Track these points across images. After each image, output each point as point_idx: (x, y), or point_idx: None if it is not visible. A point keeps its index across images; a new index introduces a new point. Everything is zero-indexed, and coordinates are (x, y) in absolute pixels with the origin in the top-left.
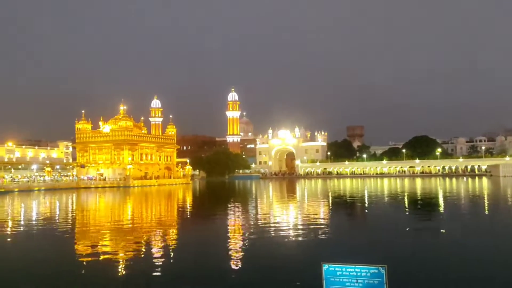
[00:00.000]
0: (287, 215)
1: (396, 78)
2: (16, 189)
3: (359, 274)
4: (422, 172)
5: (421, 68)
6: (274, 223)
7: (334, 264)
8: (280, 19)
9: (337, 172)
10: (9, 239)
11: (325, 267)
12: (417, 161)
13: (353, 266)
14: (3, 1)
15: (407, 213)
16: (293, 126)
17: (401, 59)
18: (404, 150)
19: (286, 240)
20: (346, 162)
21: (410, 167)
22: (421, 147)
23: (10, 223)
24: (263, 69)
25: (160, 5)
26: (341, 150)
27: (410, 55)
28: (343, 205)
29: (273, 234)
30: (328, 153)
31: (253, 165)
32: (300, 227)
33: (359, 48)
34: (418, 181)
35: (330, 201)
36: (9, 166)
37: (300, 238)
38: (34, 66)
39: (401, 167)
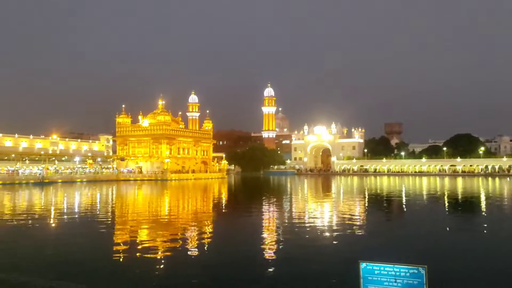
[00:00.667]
0: (322, 211)
1: (435, 76)
2: (60, 180)
3: (397, 273)
4: (464, 171)
5: (462, 65)
6: (309, 219)
7: (372, 262)
8: (315, 14)
9: (374, 169)
10: (52, 227)
11: (363, 265)
12: (459, 159)
13: (392, 265)
14: None
15: (447, 213)
16: (329, 122)
17: (439, 57)
18: (445, 148)
19: (321, 236)
20: (384, 160)
21: (451, 165)
22: (463, 145)
23: (53, 213)
24: (300, 65)
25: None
26: (378, 147)
27: (448, 54)
28: (380, 203)
29: (308, 230)
30: (365, 150)
31: (288, 161)
32: (335, 223)
33: (397, 46)
34: (459, 180)
35: (367, 199)
36: (53, 158)
37: (335, 235)
38: (77, 62)
39: (441, 165)
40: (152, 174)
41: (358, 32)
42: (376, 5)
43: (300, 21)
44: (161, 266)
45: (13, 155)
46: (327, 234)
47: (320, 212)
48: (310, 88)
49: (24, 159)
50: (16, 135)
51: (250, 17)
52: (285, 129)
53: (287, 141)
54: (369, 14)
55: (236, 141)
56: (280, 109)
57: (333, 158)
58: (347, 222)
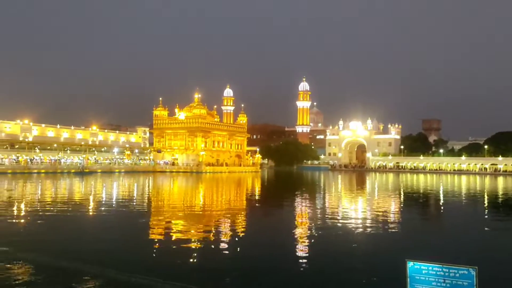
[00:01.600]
0: (356, 207)
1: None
2: (99, 170)
3: (446, 274)
4: (505, 171)
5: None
6: (342, 215)
7: (420, 262)
8: (350, 8)
9: (410, 167)
10: (91, 216)
11: (410, 264)
12: (500, 158)
13: (440, 265)
14: None
15: (486, 212)
16: (365, 117)
17: (486, 56)
18: (486, 146)
19: (355, 232)
20: (421, 157)
21: (491, 164)
22: (505, 143)
23: (93, 202)
24: (335, 59)
25: None
26: (415, 144)
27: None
28: (417, 201)
29: (341, 226)
30: (402, 147)
31: (322, 156)
32: (370, 220)
33: (438, 40)
34: (501, 180)
35: (403, 196)
36: (93, 149)
37: (370, 232)
38: (113, 54)
39: (482, 164)
40: (188, 166)
41: (393, 29)
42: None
43: (335, 18)
44: (195, 257)
45: (55, 145)
46: (362, 230)
47: (354, 208)
48: (346, 83)
49: (65, 149)
50: (58, 126)
51: (285, 12)
52: (320, 124)
53: (321, 136)
54: (399, 15)
55: (269, 135)
56: (315, 103)
57: (368, 154)
58: (382, 219)
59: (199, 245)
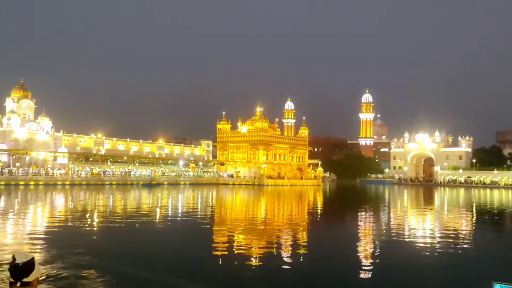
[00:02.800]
0: (424, 224)
1: None
2: (166, 182)
3: None
4: None
5: None
6: (409, 231)
7: (508, 284)
8: (419, 16)
9: (483, 181)
10: (159, 226)
11: (497, 287)
12: None
13: None
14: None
15: None
16: (433, 129)
17: None
18: None
19: (422, 250)
20: (495, 171)
21: None
22: None
23: (161, 213)
24: (399, 70)
25: (294, 4)
26: (488, 158)
27: None
28: (490, 219)
29: (407, 243)
30: (473, 160)
31: (386, 170)
32: (439, 238)
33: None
34: None
35: (476, 213)
36: (160, 162)
37: (440, 250)
38: (181, 71)
39: None
40: (250, 179)
41: (460, 37)
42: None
43: (403, 26)
44: (257, 270)
45: (125, 158)
46: (429, 248)
47: (422, 225)
48: (411, 94)
49: (134, 162)
50: (128, 140)
51: (348, 22)
52: (384, 137)
53: (386, 149)
54: (464, 23)
55: (331, 148)
56: (378, 115)
57: (437, 168)
58: (454, 236)
59: (262, 258)
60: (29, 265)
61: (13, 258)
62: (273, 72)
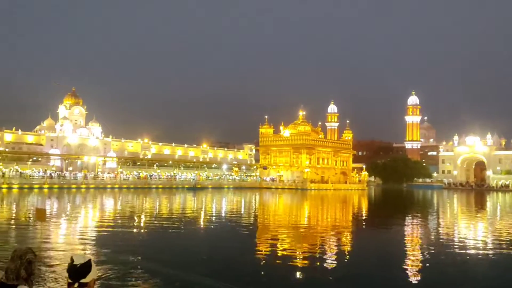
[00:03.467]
0: (476, 232)
1: None
2: (210, 186)
3: None
4: None
5: None
6: (460, 239)
7: None
8: (467, 16)
9: None
10: (204, 228)
11: None
12: None
13: None
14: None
15: None
16: (484, 132)
17: None
18: None
19: (476, 261)
20: None
21: None
22: None
23: (205, 216)
24: (449, 71)
25: (343, 7)
26: None
27: None
28: None
29: (458, 252)
30: None
31: (434, 174)
32: (491, 247)
33: None
34: None
35: None
36: (204, 165)
37: (492, 260)
38: (221, 75)
39: None
40: (292, 183)
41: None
42: None
43: (452, 25)
44: (301, 275)
45: (170, 162)
46: (481, 258)
47: (473, 232)
48: (460, 95)
49: (179, 166)
50: (173, 144)
51: (398, 22)
52: (431, 140)
53: (434, 153)
54: None
55: (376, 151)
56: (425, 118)
57: (489, 172)
58: (505, 246)
59: (306, 262)
60: (87, 267)
61: (71, 259)
62: (316, 75)
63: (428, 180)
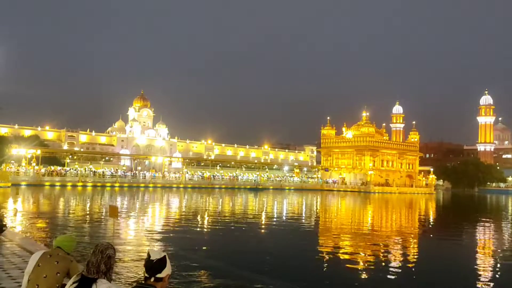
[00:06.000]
0: None
1: None
2: (271, 187)
3: None
4: None
5: None
6: None
7: None
8: None
9: None
10: (266, 229)
11: None
12: None
13: None
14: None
15: None
16: None
17: None
18: None
19: None
20: None
21: None
22: None
23: (268, 217)
24: None
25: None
26: None
27: None
28: None
29: None
30: None
31: (509, 178)
32: None
33: None
34: None
35: None
36: (265, 167)
37: None
38: (281, 79)
39: None
40: (355, 186)
41: None
42: None
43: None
44: (364, 279)
45: (232, 163)
46: None
47: None
48: None
49: (241, 167)
50: (235, 145)
51: (468, 22)
52: (506, 142)
53: (509, 155)
54: None
55: (445, 154)
56: (500, 118)
57: None
58: None
59: (369, 267)
60: (162, 262)
61: (148, 255)
62: (379, 76)
63: (502, 185)
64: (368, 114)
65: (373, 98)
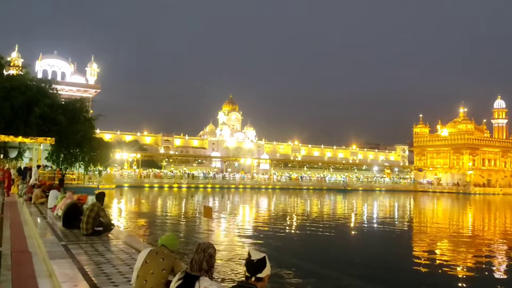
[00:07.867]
0: None
1: None
2: (360, 188)
3: None
4: None
5: None
6: None
7: None
8: None
9: None
10: (356, 232)
11: None
12: None
13: None
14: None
15: None
16: None
17: None
18: None
19: None
20: None
21: None
22: None
23: (354, 217)
24: None
25: None
26: None
27: None
28: None
29: None
30: None
31: None
32: None
33: None
34: None
35: None
36: (354, 167)
37: None
38: (368, 77)
39: None
40: (453, 187)
41: None
42: None
43: None
44: (465, 285)
45: (319, 164)
46: None
47: None
48: None
49: (329, 168)
50: (322, 146)
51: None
52: None
53: None
54: None
55: None
56: None
57: None
58: None
59: (467, 274)
60: (262, 262)
61: (249, 254)
62: (477, 70)
63: None
64: (465, 110)
65: (471, 93)
